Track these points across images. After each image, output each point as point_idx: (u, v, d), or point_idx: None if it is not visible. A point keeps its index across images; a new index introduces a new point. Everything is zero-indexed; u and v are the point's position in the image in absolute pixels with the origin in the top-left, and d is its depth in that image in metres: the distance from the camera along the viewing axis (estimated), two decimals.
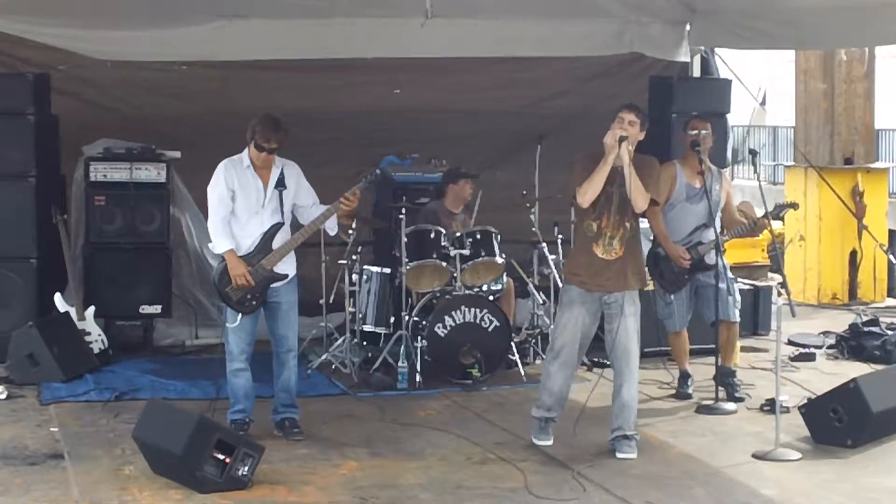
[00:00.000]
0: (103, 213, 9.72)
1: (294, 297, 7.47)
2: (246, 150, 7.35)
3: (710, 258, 8.26)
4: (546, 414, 7.25)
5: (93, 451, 7.15)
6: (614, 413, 7.10)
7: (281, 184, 7.34)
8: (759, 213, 8.47)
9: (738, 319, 8.44)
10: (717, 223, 8.39)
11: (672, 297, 8.42)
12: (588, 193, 6.91)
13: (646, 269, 9.02)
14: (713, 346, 8.30)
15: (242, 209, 7.32)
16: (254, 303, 7.33)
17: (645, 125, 7.06)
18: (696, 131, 8.34)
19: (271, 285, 7.34)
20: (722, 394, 8.20)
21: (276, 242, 7.33)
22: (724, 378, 8.26)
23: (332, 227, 7.56)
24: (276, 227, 7.33)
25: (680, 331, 8.51)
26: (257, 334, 7.48)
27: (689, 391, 8.47)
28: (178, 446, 6.31)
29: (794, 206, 8.72)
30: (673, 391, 8.56)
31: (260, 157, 7.29)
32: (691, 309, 8.49)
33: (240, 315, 7.32)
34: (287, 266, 7.39)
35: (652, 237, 8.61)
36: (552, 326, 8.12)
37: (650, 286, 8.77)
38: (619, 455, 7.01)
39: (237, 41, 9.97)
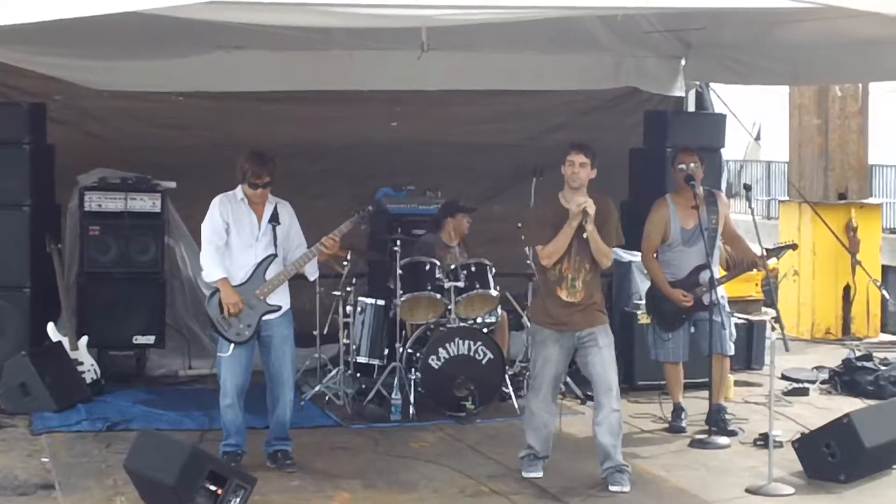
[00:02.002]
0: (97, 243, 9.70)
1: (288, 331, 7.45)
2: (239, 187, 7.37)
3: (708, 298, 8.22)
4: (533, 452, 7.27)
5: (84, 481, 7.11)
6: (598, 444, 7.10)
7: (275, 219, 7.37)
8: (755, 249, 8.43)
9: (731, 353, 8.43)
10: (717, 253, 8.37)
11: (670, 334, 8.40)
12: (553, 256, 7.09)
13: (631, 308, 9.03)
14: (706, 379, 8.29)
15: (236, 242, 7.33)
16: (247, 333, 7.31)
17: (595, 163, 7.13)
18: (684, 164, 8.32)
19: (264, 318, 7.33)
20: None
21: (270, 274, 7.33)
22: (715, 415, 8.24)
23: (312, 271, 7.56)
24: (269, 259, 7.34)
25: (677, 362, 8.49)
26: (252, 366, 7.47)
27: (683, 425, 8.43)
28: (170, 477, 6.27)
29: (793, 246, 8.72)
30: (667, 425, 8.54)
31: (255, 194, 7.32)
32: (688, 342, 8.47)
33: (232, 345, 7.31)
34: (280, 298, 7.38)
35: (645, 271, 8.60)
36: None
37: (646, 320, 8.78)
38: (611, 488, 6.99)
39: (234, 72, 10.00)
